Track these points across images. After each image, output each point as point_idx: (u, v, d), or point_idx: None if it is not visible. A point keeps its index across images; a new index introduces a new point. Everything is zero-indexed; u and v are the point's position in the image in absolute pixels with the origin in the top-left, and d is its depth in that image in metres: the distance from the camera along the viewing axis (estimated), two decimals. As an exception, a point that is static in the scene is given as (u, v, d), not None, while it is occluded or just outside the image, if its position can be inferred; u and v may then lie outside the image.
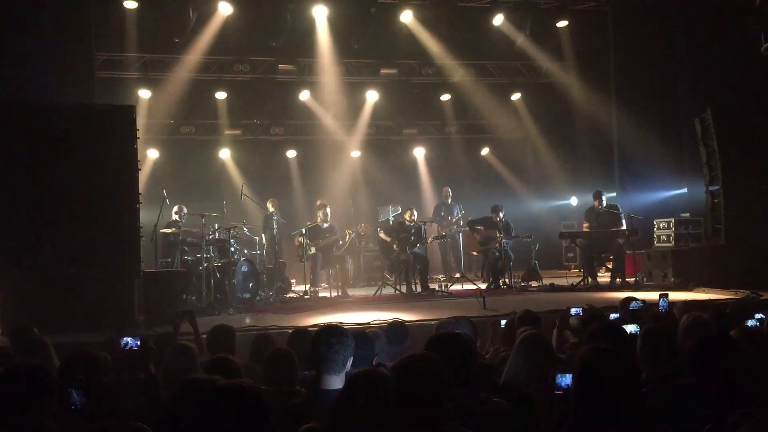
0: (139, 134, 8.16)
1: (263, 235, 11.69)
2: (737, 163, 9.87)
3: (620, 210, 10.96)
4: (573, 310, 5.12)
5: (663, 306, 5.43)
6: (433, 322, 6.14)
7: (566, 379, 2.80)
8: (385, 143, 16.60)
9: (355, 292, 11.27)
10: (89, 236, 7.64)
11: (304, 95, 15.16)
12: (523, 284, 11.34)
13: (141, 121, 11.41)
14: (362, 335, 4.26)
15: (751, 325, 4.03)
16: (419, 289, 10.82)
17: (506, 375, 3.64)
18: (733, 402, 2.82)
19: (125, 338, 4.17)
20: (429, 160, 16.72)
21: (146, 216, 8.80)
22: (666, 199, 12.79)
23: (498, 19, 13.32)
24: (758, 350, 3.36)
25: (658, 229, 11.50)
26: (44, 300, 7.37)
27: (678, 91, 12.91)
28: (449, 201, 13.42)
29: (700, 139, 10.33)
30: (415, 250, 11.02)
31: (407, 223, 11.22)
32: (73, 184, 7.66)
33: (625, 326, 3.74)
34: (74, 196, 7.66)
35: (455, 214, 13.12)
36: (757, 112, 10.39)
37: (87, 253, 7.62)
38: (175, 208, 10.49)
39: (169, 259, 9.78)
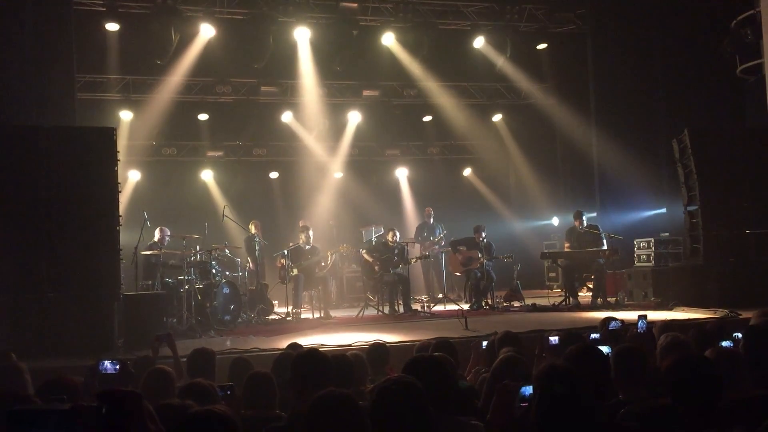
0: (120, 156, 8.15)
1: (245, 256, 11.65)
2: (715, 183, 9.96)
3: (601, 230, 11.06)
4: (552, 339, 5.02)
5: (642, 327, 5.46)
6: (414, 344, 6.14)
7: (530, 390, 2.79)
8: (367, 164, 16.68)
9: (337, 314, 11.22)
10: (68, 259, 7.58)
11: (287, 116, 15.22)
12: (505, 304, 11.37)
13: (122, 143, 11.38)
14: (342, 358, 4.25)
15: (726, 346, 4.06)
16: (402, 309, 10.82)
17: (484, 397, 3.65)
18: (708, 422, 2.86)
19: (104, 362, 4.14)
20: (411, 181, 16.82)
21: (127, 238, 8.76)
22: (646, 218, 12.91)
23: (479, 42, 13.45)
24: (732, 370, 3.40)
25: (639, 248, 11.60)
26: (21, 324, 7.29)
27: (656, 112, 13.09)
28: (431, 221, 13.47)
29: (678, 160, 10.45)
30: (398, 270, 11.04)
31: (390, 243, 11.24)
32: (52, 207, 7.61)
33: (600, 347, 3.76)
34: (54, 218, 7.60)
35: (437, 234, 13.17)
36: (733, 133, 10.55)
37: (66, 276, 7.55)
38: (157, 231, 10.41)
39: (150, 282, 9.69)
